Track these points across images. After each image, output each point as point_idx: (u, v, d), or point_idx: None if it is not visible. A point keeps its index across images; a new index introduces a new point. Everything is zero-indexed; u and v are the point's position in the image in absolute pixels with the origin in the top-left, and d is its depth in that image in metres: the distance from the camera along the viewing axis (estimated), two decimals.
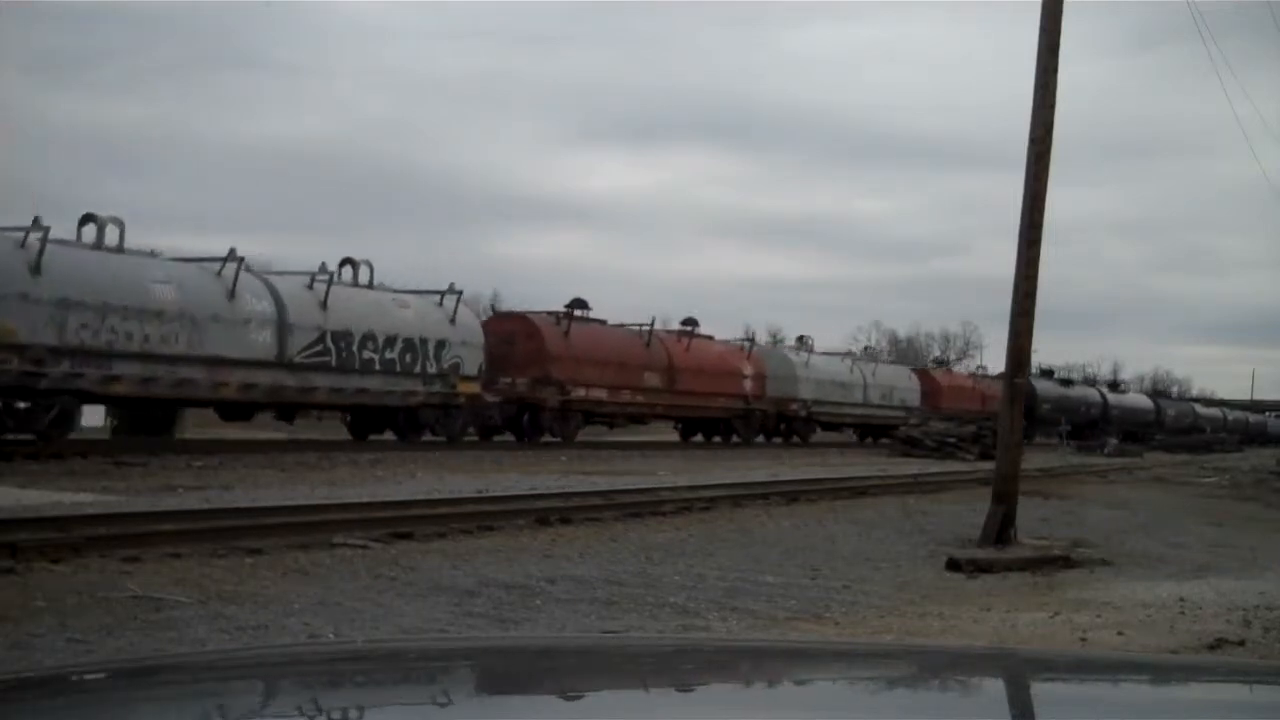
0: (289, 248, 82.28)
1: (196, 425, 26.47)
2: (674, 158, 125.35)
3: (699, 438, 37.50)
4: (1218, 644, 7.27)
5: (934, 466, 26.99)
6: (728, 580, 9.35)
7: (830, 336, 78.87)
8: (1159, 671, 2.09)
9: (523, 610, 7.80)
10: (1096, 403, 62.89)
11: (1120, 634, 7.60)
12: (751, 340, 40.55)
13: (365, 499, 12.90)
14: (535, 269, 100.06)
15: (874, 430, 44.45)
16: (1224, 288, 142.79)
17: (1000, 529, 12.80)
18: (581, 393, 29.87)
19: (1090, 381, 73.18)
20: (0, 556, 8.18)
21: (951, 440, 33.74)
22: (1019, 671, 1.92)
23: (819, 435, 41.70)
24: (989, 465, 16.44)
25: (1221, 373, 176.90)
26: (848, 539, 12.80)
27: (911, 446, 33.65)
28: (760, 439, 37.87)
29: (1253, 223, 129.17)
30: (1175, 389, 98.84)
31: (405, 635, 6.61)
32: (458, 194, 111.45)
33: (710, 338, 37.19)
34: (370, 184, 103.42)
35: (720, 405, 35.90)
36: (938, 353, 72.59)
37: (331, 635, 6.73)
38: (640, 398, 32.55)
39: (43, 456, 17.23)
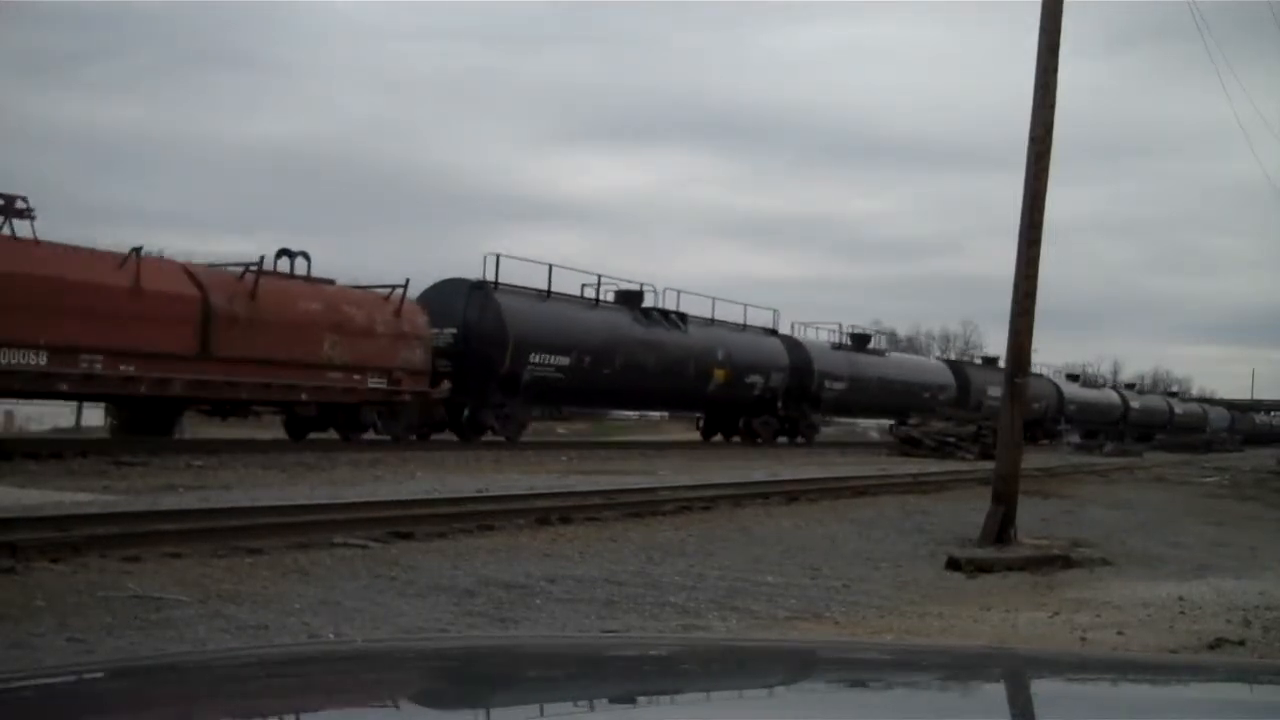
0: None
1: (196, 425, 26.45)
2: (669, 157, 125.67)
3: None
4: (1218, 644, 7.26)
5: (934, 466, 26.98)
6: (728, 580, 9.35)
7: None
8: (1159, 671, 2.09)
9: (523, 610, 7.80)
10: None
11: (1120, 634, 7.60)
12: None
13: (365, 499, 12.89)
14: (533, 269, 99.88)
15: None
16: (1223, 287, 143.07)
17: (1000, 528, 12.80)
18: None
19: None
20: (0, 556, 8.18)
21: (951, 440, 33.72)
22: (1019, 671, 1.92)
23: None
24: (989, 465, 16.43)
25: (1221, 373, 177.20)
26: (848, 538, 12.80)
27: (912, 446, 33.62)
28: None
29: (1252, 223, 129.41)
30: (1175, 388, 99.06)
31: (405, 635, 6.60)
32: (454, 193, 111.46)
33: None
34: (366, 183, 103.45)
35: None
36: (938, 353, 72.47)
37: (331, 635, 6.73)
38: None
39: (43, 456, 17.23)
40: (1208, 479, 29.46)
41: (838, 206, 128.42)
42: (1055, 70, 13.44)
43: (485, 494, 14.32)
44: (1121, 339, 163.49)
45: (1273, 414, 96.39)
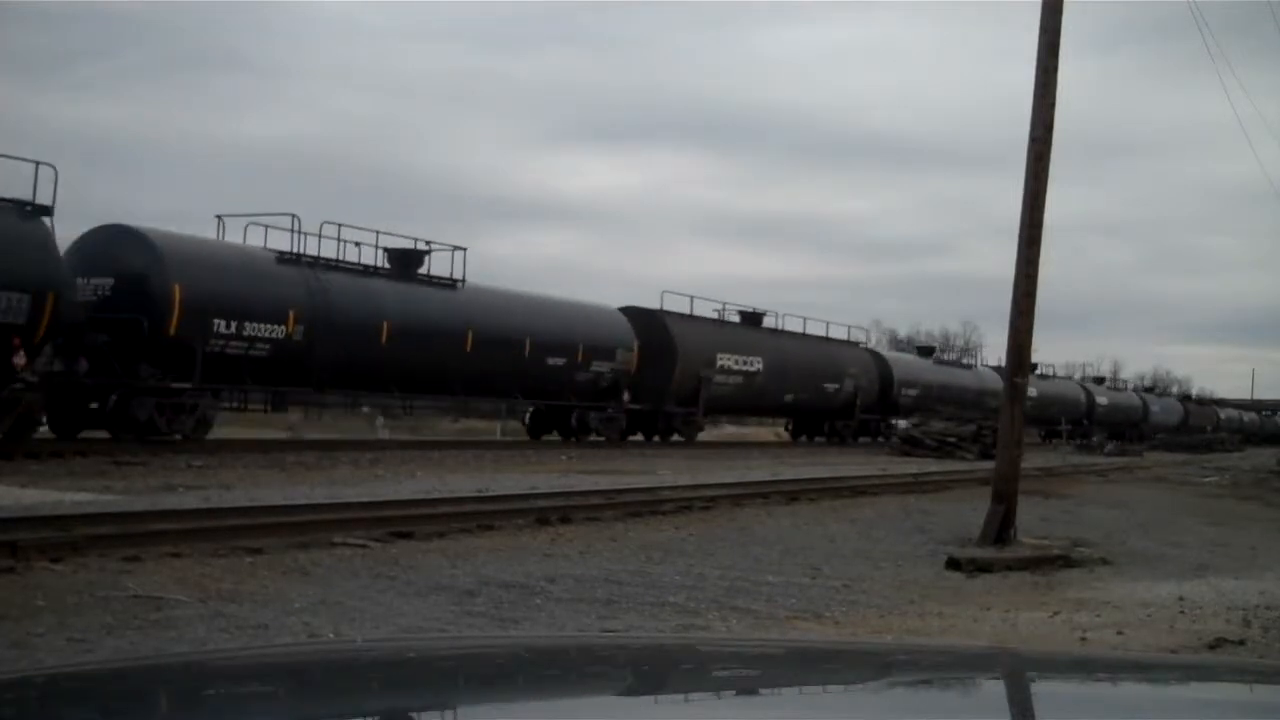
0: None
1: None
2: (663, 158, 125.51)
3: None
4: (1218, 644, 7.26)
5: (934, 466, 26.98)
6: (728, 579, 9.35)
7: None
8: (1159, 671, 2.09)
9: (523, 610, 7.80)
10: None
11: (1120, 634, 7.60)
12: None
13: (365, 499, 12.89)
14: (527, 269, 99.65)
15: None
16: (1223, 287, 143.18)
17: (1000, 528, 12.80)
18: None
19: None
20: (0, 555, 8.18)
21: (951, 440, 33.74)
22: (1019, 671, 1.93)
23: None
24: (989, 465, 16.44)
25: (1221, 372, 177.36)
26: (847, 538, 12.80)
27: (912, 446, 33.65)
28: None
29: (1252, 222, 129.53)
30: (1175, 388, 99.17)
31: (405, 635, 6.60)
32: (448, 194, 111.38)
33: None
34: (360, 183, 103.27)
35: None
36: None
37: (331, 635, 6.73)
38: None
39: (43, 456, 17.24)
40: (1207, 479, 29.47)
41: (836, 207, 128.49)
42: (1055, 70, 13.44)
43: (485, 494, 14.32)
44: (1121, 339, 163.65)
45: (1250, 413, 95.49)
